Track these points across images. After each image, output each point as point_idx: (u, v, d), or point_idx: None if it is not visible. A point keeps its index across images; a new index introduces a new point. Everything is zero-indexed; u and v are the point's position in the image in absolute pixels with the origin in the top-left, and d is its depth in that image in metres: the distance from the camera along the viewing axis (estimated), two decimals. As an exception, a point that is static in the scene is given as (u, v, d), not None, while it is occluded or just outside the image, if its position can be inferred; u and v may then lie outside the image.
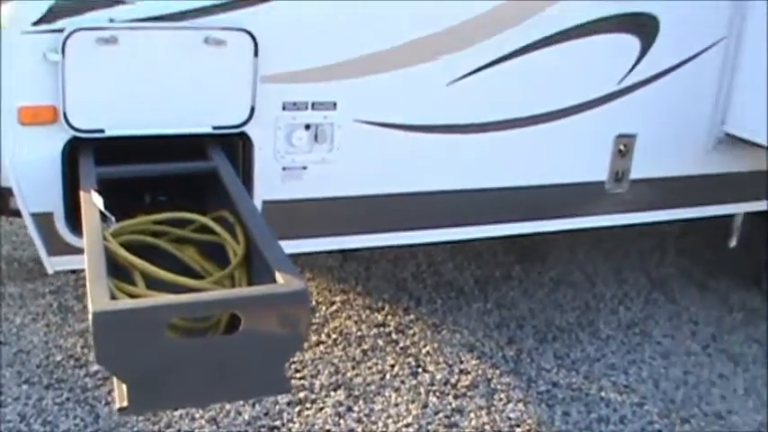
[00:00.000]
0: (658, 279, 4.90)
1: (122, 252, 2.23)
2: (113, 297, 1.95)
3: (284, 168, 3.06)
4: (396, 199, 3.34)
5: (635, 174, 3.82)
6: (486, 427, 3.38)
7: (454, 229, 3.52)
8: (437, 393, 3.57)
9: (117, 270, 2.19)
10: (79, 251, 2.38)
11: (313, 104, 3.03)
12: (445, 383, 3.65)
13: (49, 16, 2.60)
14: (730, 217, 4.54)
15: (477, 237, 3.63)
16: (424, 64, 3.19)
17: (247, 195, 2.56)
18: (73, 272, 3.99)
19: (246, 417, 3.29)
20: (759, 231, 4.71)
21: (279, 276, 1.99)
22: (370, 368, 3.71)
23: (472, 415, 3.45)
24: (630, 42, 3.59)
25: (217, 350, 1.97)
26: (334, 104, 3.06)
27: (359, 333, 3.99)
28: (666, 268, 5.05)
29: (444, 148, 3.36)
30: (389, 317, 4.17)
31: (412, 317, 4.18)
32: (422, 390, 3.59)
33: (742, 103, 3.88)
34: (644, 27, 3.59)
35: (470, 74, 3.28)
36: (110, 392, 3.34)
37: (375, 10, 3.06)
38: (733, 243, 4.61)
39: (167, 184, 2.82)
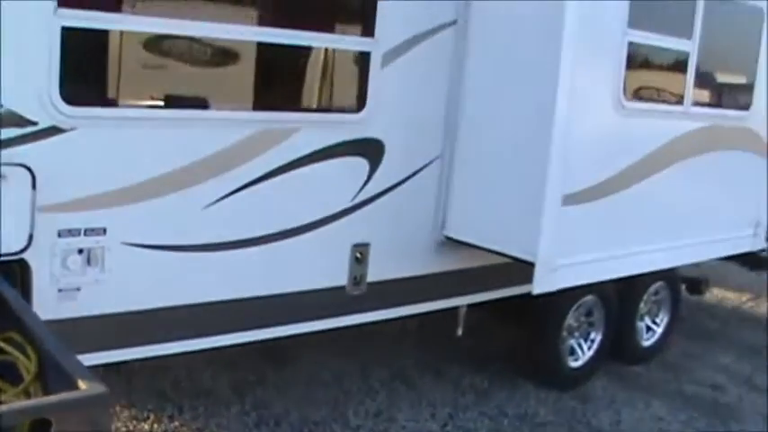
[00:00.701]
0: (399, 370, 5.66)
1: None
2: None
3: (60, 290, 3.44)
4: (163, 312, 3.79)
5: (371, 277, 4.55)
6: None
7: (217, 337, 4.03)
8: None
9: None
10: None
11: (85, 231, 3.47)
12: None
13: None
14: (456, 309, 5.42)
15: (236, 342, 4.15)
16: (180, 191, 3.74)
17: (35, 314, 2.93)
18: None
19: None
20: (483, 320, 5.65)
21: (81, 383, 2.42)
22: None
23: None
24: (361, 164, 4.37)
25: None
26: (104, 230, 3.52)
27: (128, 444, 4.34)
28: (405, 360, 5.84)
29: (203, 264, 3.89)
30: (156, 425, 4.55)
31: (176, 423, 4.59)
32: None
33: (457, 210, 4.79)
34: (371, 151, 4.40)
35: (222, 198, 3.87)
36: None
37: (135, 146, 3.59)
38: (460, 332, 5.48)
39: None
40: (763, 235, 6.42)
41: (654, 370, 6.47)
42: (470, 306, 5.39)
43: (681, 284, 7.00)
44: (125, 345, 3.68)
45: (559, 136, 4.29)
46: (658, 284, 6.50)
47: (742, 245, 6.36)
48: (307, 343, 5.58)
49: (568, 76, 4.26)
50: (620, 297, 6.05)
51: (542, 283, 4.46)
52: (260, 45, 3.99)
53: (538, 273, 4.40)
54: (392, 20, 4.33)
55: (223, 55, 3.96)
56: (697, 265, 7.12)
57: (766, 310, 8.91)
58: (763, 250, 8.26)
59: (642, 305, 6.43)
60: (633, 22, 4.75)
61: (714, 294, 9.09)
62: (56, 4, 3.24)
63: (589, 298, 5.80)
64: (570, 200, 4.52)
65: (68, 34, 3.28)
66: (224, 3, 3.96)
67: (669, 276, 6.56)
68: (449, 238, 4.82)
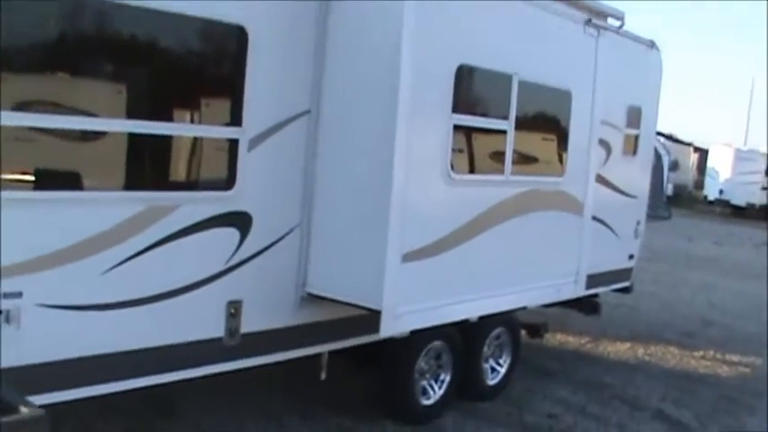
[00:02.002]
0: (271, 414, 6.55)
1: None
2: None
3: (-18, 345, 4.22)
4: (70, 363, 4.56)
5: (244, 329, 5.44)
6: None
7: (115, 383, 4.81)
8: None
9: None
10: None
11: (5, 295, 4.27)
12: None
13: None
14: (319, 355, 6.34)
15: (131, 387, 4.92)
16: (83, 260, 4.57)
17: None
18: None
19: None
20: (344, 365, 6.59)
21: (22, 408, 3.25)
22: None
23: None
24: (233, 233, 5.31)
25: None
26: (20, 294, 4.33)
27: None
28: (276, 405, 6.72)
29: (102, 320, 4.69)
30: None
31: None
32: None
33: (315, 269, 5.75)
34: (241, 222, 5.34)
35: (118, 265, 4.72)
36: None
37: (46, 223, 4.43)
38: (323, 376, 6.39)
39: None
40: (583, 283, 7.64)
41: (499, 404, 7.56)
42: (333, 352, 6.30)
43: (520, 329, 8.17)
44: (36, 392, 4.39)
45: (396, 205, 5.35)
46: (499, 329, 7.63)
47: (565, 292, 7.57)
48: (189, 391, 6.41)
49: (403, 155, 5.33)
50: (466, 342, 7.12)
51: (388, 328, 5.48)
52: (148, 136, 4.91)
53: (384, 319, 5.41)
54: (256, 111, 5.31)
55: (115, 143, 4.84)
56: (542, 312, 8.36)
57: (604, 350, 10.24)
58: (594, 296, 9.64)
59: (486, 348, 7.53)
60: (457, 108, 5.91)
61: (557, 339, 10.38)
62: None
63: (437, 343, 6.84)
64: (409, 257, 5.58)
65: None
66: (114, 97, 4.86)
67: (509, 322, 7.71)
68: (310, 294, 5.78)
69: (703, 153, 41.96)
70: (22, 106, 4.31)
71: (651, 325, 11.92)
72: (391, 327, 5.51)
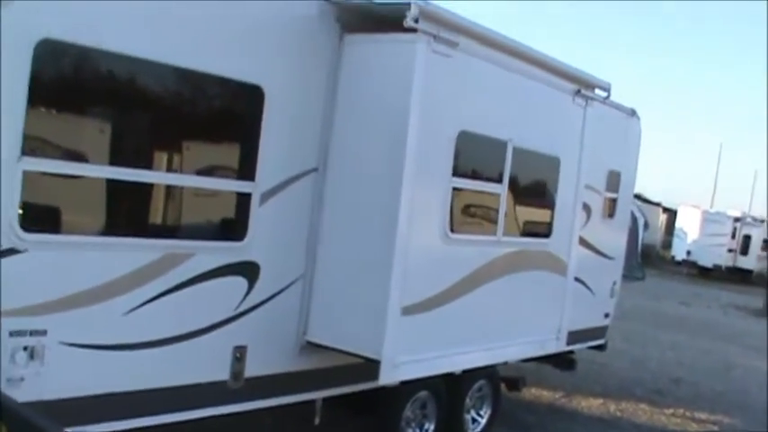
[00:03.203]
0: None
1: None
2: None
3: (8, 380, 4.43)
4: (89, 399, 4.79)
5: (248, 373, 5.69)
6: None
7: (130, 420, 5.01)
8: None
9: None
10: None
11: (31, 332, 4.51)
12: None
13: None
14: (314, 401, 6.56)
15: (142, 425, 5.14)
16: (105, 302, 4.83)
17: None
18: None
19: None
20: (337, 410, 6.80)
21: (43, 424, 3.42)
22: None
23: None
24: (241, 282, 5.57)
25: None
26: (45, 332, 4.56)
27: None
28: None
29: (121, 360, 4.93)
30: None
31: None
32: None
33: (316, 319, 6.01)
34: (250, 272, 5.61)
35: (137, 308, 4.98)
36: None
37: (71, 265, 4.69)
38: (317, 421, 6.61)
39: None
40: (564, 339, 7.95)
41: (478, 454, 7.83)
42: (327, 398, 6.53)
43: (500, 382, 8.46)
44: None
45: (399, 260, 5.66)
46: (482, 382, 7.91)
47: (548, 347, 7.87)
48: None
49: (406, 213, 5.66)
50: (449, 393, 7.39)
51: (386, 377, 5.76)
52: (168, 187, 5.20)
53: (383, 368, 5.69)
54: (269, 167, 5.62)
55: (138, 192, 5.11)
56: (518, 366, 8.63)
57: (577, 405, 10.53)
58: (571, 352, 9.95)
59: (468, 400, 7.80)
60: (456, 171, 6.25)
61: (532, 392, 10.66)
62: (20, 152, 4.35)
63: (423, 393, 7.11)
64: (408, 310, 5.87)
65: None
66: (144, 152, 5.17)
67: (490, 375, 8.00)
68: (310, 342, 6.04)
69: (672, 213, 42.72)
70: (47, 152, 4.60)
71: (622, 381, 12.25)
72: (390, 375, 5.79)
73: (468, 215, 6.87)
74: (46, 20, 4.39)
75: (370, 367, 5.79)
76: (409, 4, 5.51)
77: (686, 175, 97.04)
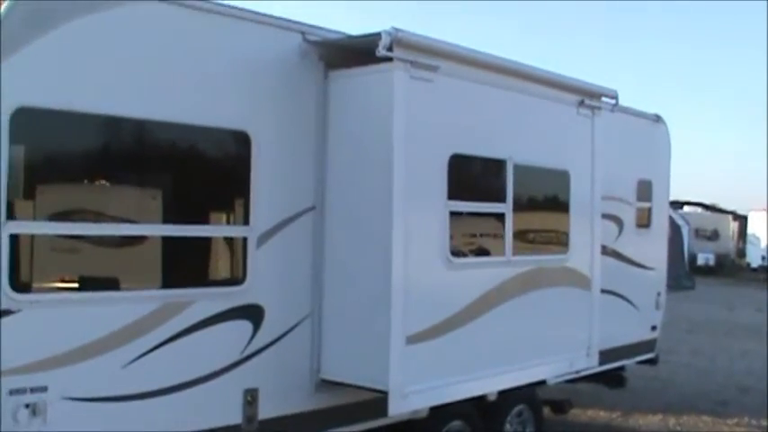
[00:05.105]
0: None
1: None
2: None
3: (9, 439, 4.62)
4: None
5: (262, 415, 5.78)
6: None
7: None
8: None
9: None
10: None
11: (31, 389, 4.69)
12: None
13: None
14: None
15: None
16: (104, 355, 4.98)
17: None
18: None
19: None
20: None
21: None
22: None
23: None
24: (246, 325, 5.70)
25: None
26: (46, 388, 4.74)
27: None
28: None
29: (126, 412, 5.07)
30: None
31: None
32: None
33: (328, 356, 6.10)
34: (254, 314, 5.73)
35: (138, 358, 5.13)
36: None
37: (67, 321, 4.87)
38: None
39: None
40: (596, 355, 7.87)
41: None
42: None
43: (542, 406, 8.39)
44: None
45: (397, 289, 5.73)
46: (520, 407, 7.86)
47: (577, 364, 7.80)
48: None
49: (400, 242, 5.74)
50: (486, 420, 7.37)
51: (395, 407, 5.80)
52: (163, 238, 5.39)
53: (391, 399, 5.73)
54: (263, 209, 5.76)
55: (130, 245, 5.31)
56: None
57: (635, 423, 10.35)
58: (621, 368, 9.83)
59: (508, 426, 7.75)
60: (452, 195, 6.30)
61: (587, 414, 10.54)
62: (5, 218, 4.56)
63: (456, 423, 7.09)
64: (413, 339, 5.91)
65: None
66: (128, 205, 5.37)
67: (529, 399, 7.95)
68: (324, 380, 6.12)
69: (743, 220, 41.85)
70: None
71: (685, 396, 12.01)
72: (399, 406, 5.82)
73: (472, 237, 6.90)
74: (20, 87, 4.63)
75: (385, 400, 5.83)
76: (380, 34, 5.64)
77: (756, 180, 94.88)
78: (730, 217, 43.04)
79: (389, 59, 5.72)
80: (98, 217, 5.14)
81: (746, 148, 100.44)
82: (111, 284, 5.18)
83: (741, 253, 41.82)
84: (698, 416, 10.85)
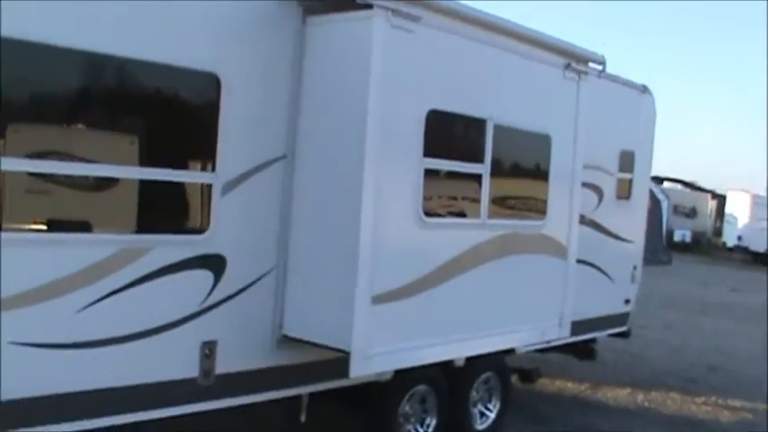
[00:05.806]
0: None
1: None
2: None
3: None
4: (44, 399, 4.74)
5: (219, 370, 5.60)
6: None
7: (91, 420, 4.97)
8: None
9: None
10: None
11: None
12: None
13: None
14: (299, 397, 6.45)
15: (107, 425, 5.07)
16: (53, 300, 4.76)
17: None
18: None
19: None
20: (326, 407, 6.69)
21: None
22: None
23: None
24: (207, 275, 5.49)
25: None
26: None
27: None
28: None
29: (78, 359, 4.88)
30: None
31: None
32: None
33: (291, 312, 5.91)
34: (215, 264, 5.53)
35: (92, 304, 4.92)
36: None
37: (18, 263, 4.65)
38: (303, 418, 6.49)
39: None
40: (568, 326, 7.73)
41: (487, 449, 7.64)
42: (316, 394, 6.42)
43: (511, 374, 8.26)
44: (13, 427, 4.59)
45: (365, 247, 5.52)
46: (488, 374, 7.72)
47: (549, 334, 7.65)
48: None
49: (371, 198, 5.52)
50: (452, 386, 7.22)
51: (358, 369, 5.61)
52: (122, 181, 5.15)
53: (353, 360, 5.55)
54: (230, 156, 5.53)
55: (88, 187, 5.06)
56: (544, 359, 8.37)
57: (603, 396, 10.27)
58: (591, 341, 9.73)
59: (474, 393, 7.62)
60: (428, 152, 6.08)
61: (555, 385, 10.45)
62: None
63: (421, 387, 6.96)
64: (380, 299, 5.72)
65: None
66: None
67: (497, 366, 7.81)
68: (286, 336, 5.93)
69: (722, 199, 41.96)
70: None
71: (655, 371, 11.95)
72: (361, 367, 5.64)
73: (447, 198, 6.69)
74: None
75: (348, 360, 5.65)
76: (362, -22, 5.40)
77: (737, 161, 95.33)
78: (709, 196, 43.13)
79: (370, 6, 5.48)
80: (62, 156, 4.89)
81: (728, 128, 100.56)
82: (68, 227, 4.93)
83: (718, 232, 41.93)
84: (666, 392, 10.78)
